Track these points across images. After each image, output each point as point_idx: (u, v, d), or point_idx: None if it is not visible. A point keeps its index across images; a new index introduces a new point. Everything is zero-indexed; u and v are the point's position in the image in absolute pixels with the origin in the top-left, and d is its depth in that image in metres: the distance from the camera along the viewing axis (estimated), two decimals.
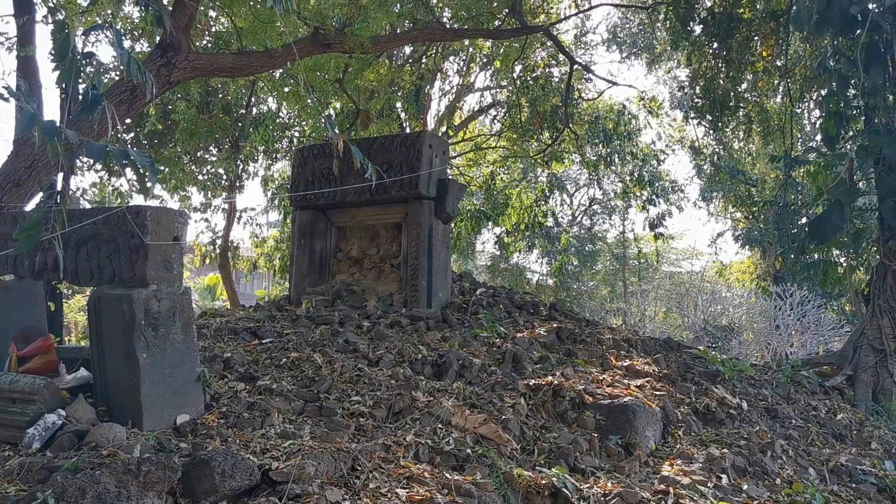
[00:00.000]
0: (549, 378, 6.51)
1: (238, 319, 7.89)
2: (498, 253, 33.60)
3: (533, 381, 6.45)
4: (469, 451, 5.28)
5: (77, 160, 10.45)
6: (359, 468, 4.72)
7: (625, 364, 7.55)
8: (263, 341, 6.90)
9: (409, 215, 8.58)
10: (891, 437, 7.89)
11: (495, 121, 24.93)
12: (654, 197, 25.56)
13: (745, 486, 5.58)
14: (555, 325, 8.25)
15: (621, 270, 36.51)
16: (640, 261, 35.35)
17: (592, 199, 35.60)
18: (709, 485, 5.42)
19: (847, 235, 10.27)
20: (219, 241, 19.45)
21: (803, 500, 5.42)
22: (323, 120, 13.95)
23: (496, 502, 4.84)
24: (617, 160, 23.28)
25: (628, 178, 25.25)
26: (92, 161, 14.06)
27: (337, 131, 7.57)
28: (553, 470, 5.20)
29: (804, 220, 17.80)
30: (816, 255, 11.56)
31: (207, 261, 21.12)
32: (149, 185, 3.98)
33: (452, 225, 24.39)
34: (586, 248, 35.79)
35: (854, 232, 10.53)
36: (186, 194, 20.05)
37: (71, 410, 4.82)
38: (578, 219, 36.51)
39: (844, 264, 12.53)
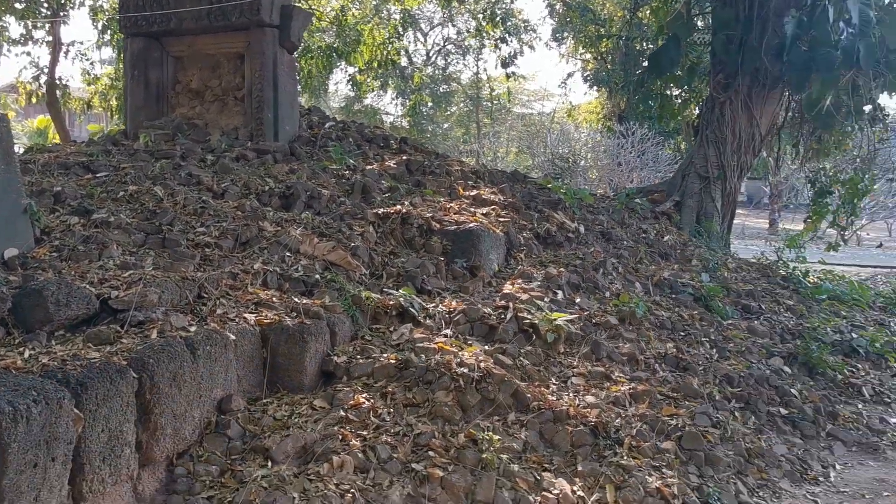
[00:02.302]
0: (398, 207, 6.62)
1: (69, 154, 7.39)
2: (352, 93, 32.91)
3: (382, 210, 6.54)
4: (318, 276, 5.37)
5: None
6: (206, 296, 4.71)
7: (472, 194, 7.77)
8: (98, 175, 6.54)
9: (252, 44, 8.15)
10: (709, 255, 8.71)
11: None
12: (506, 35, 25.45)
13: (577, 300, 6.04)
14: (405, 158, 8.30)
15: (475, 112, 36.82)
16: (493, 102, 35.72)
17: (447, 39, 35.12)
18: (545, 299, 5.83)
19: (682, 69, 10.74)
20: (43, 78, 17.81)
21: (628, 308, 5.94)
22: None
23: (344, 322, 5.01)
24: None
25: (481, 15, 24.98)
26: None
27: None
28: (400, 291, 5.40)
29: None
30: (654, 91, 12.07)
31: (34, 100, 19.43)
32: None
33: (303, 62, 23.41)
34: (441, 89, 35.63)
35: (689, 66, 11.02)
36: (3, 24, 18.08)
37: None
38: (433, 59, 36.04)
39: (679, 99, 13.16)
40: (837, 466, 4.82)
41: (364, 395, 4.38)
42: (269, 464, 3.81)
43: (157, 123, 8.44)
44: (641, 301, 6.14)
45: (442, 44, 35.33)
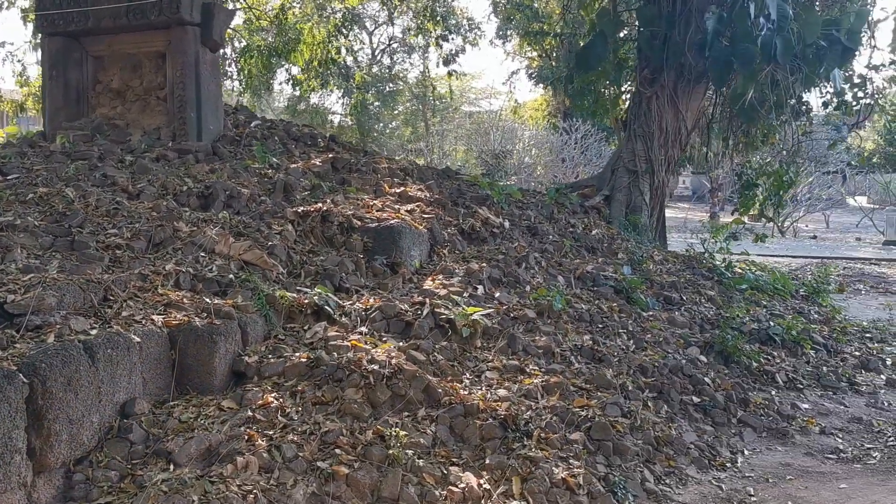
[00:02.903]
0: (319, 205, 6.58)
1: None
2: (297, 93, 32.52)
3: (302, 209, 6.49)
4: (232, 276, 5.30)
5: None
6: (112, 298, 4.61)
7: (398, 191, 7.76)
8: (8, 178, 6.36)
9: (173, 43, 8.00)
10: (635, 248, 8.84)
11: None
12: (447, 33, 25.50)
13: (497, 294, 6.08)
14: (330, 156, 8.25)
15: (422, 110, 36.76)
16: (436, 100, 35.68)
17: (391, 38, 35.00)
18: (464, 294, 5.85)
19: (609, 65, 10.89)
20: None
21: (546, 302, 6.00)
22: None
23: (257, 322, 4.96)
24: None
25: (421, 14, 24.99)
26: None
27: None
28: (315, 289, 5.37)
29: None
30: (587, 87, 12.22)
31: None
32: None
33: (242, 62, 23.06)
34: (386, 88, 35.47)
35: (617, 62, 11.17)
36: None
37: None
38: (378, 58, 35.89)
39: (612, 95, 13.33)
40: (746, 452, 4.94)
41: (273, 395, 4.35)
42: (172, 467, 3.75)
43: (77, 124, 8.24)
44: (559, 294, 6.21)
45: (387, 42, 35.21)
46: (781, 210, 12.77)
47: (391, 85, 35.67)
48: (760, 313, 7.53)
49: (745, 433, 5.20)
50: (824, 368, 6.58)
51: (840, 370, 6.67)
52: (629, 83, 10.98)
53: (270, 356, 4.71)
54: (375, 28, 35.09)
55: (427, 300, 5.46)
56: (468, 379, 4.83)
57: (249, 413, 4.17)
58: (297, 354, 4.68)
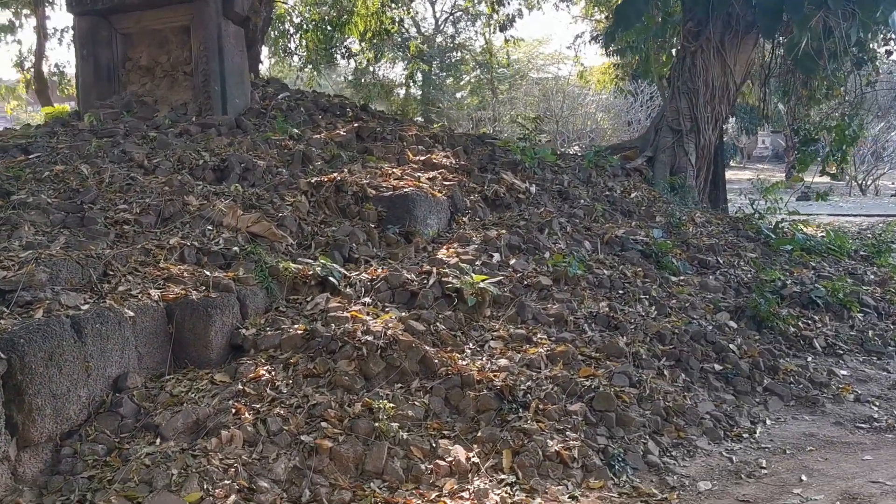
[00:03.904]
0: (334, 175, 6.47)
1: (12, 137, 7.34)
2: (360, 66, 32.58)
3: (315, 179, 6.40)
4: (237, 249, 5.26)
5: None
6: (111, 273, 4.63)
7: (422, 158, 7.60)
8: (30, 157, 6.47)
9: (195, 17, 8.00)
10: (677, 211, 8.46)
11: None
12: None
13: (512, 262, 5.88)
14: (355, 125, 8.13)
15: (489, 79, 36.15)
16: (502, 67, 35.13)
17: (454, 6, 34.50)
18: (477, 263, 5.68)
19: (651, 20, 10.40)
20: (28, 64, 17.74)
21: (563, 267, 5.78)
22: None
23: (257, 294, 4.91)
24: None
25: None
26: None
27: None
28: (320, 260, 5.28)
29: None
30: (630, 44, 11.73)
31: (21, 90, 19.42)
32: None
33: (299, 38, 23.24)
34: (451, 58, 35.02)
35: (662, 17, 10.66)
36: None
37: None
38: (442, 27, 35.49)
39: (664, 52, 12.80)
40: (768, 422, 4.66)
41: (266, 368, 4.29)
42: (159, 441, 3.74)
43: (108, 102, 8.35)
44: (577, 260, 5.97)
45: (450, 11, 34.71)
46: (846, 166, 12.05)
47: (456, 54, 35.21)
48: (806, 275, 7.10)
49: (770, 402, 4.90)
50: (870, 332, 6.16)
51: (889, 334, 6.24)
52: (675, 38, 10.45)
53: (269, 329, 4.65)
54: None
55: (434, 269, 5.32)
56: (470, 349, 4.68)
57: (240, 386, 4.13)
58: (295, 327, 4.61)
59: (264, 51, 21.36)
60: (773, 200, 9.08)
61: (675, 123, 9.80)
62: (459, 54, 35.24)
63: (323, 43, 23.30)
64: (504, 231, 6.39)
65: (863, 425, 4.62)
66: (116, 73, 8.62)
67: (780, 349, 5.61)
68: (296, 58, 24.72)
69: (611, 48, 10.66)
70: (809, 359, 5.62)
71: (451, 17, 34.75)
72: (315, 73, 27.24)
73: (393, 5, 25.33)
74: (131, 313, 4.23)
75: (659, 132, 10.01)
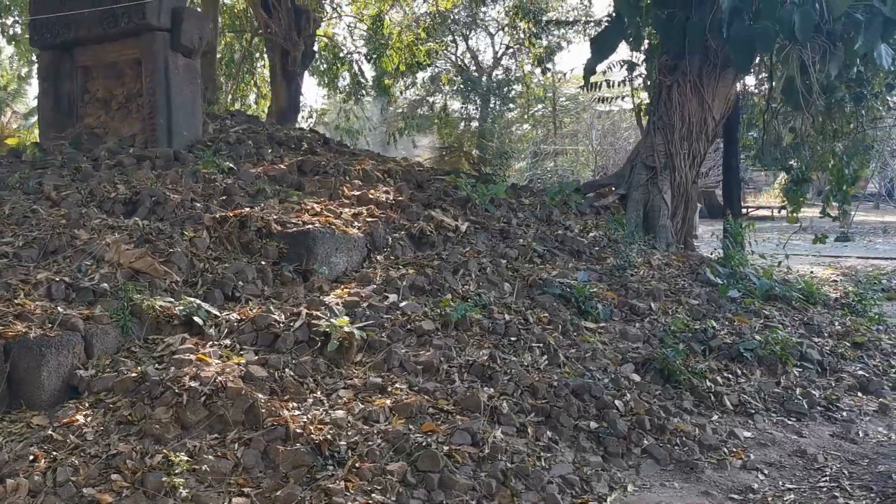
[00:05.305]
0: (239, 210, 6.35)
1: None
2: (413, 98, 32.94)
3: (220, 214, 6.28)
4: (107, 286, 5.15)
5: None
6: None
7: (357, 194, 7.43)
8: None
9: (143, 50, 8.06)
10: (633, 252, 8.06)
11: None
12: (539, 30, 24.89)
13: (403, 304, 5.62)
14: (300, 159, 8.03)
15: (552, 112, 35.77)
16: (567, 101, 34.80)
17: (512, 40, 34.44)
18: (363, 305, 5.45)
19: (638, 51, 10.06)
20: None
21: (445, 311, 5.51)
22: None
23: (108, 333, 4.78)
24: None
25: (511, 12, 24.49)
26: None
27: None
28: (186, 300, 5.13)
29: None
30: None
31: None
32: None
33: (334, 69, 23.62)
34: (509, 91, 34.88)
35: (647, 48, 10.29)
36: None
37: None
38: (501, 60, 35.52)
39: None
40: (630, 488, 4.27)
41: (85, 413, 4.14)
42: None
43: (63, 135, 8.45)
44: (474, 305, 5.68)
45: (507, 45, 34.66)
46: (849, 207, 11.39)
47: (514, 88, 35.06)
48: (747, 325, 6.63)
49: (644, 466, 4.51)
50: (798, 391, 5.67)
51: (823, 393, 5.75)
52: (652, 72, 10.07)
53: (108, 370, 4.50)
54: (498, 31, 34.56)
55: (304, 310, 5.11)
56: (312, 398, 4.44)
57: (49, 432, 3.98)
58: (131, 370, 4.45)
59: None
60: (740, 242, 8.61)
61: (650, 160, 9.39)
62: (519, 87, 35.13)
63: (356, 74, 23.67)
64: (412, 271, 6.14)
65: (735, 496, 4.20)
66: (75, 106, 8.74)
67: (681, 406, 5.20)
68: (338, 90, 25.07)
69: (588, 80, 10.32)
70: (715, 417, 5.19)
71: (508, 51, 34.74)
72: (354, 103, 27.44)
73: (428, 39, 25.46)
74: None
75: (634, 169, 9.62)
